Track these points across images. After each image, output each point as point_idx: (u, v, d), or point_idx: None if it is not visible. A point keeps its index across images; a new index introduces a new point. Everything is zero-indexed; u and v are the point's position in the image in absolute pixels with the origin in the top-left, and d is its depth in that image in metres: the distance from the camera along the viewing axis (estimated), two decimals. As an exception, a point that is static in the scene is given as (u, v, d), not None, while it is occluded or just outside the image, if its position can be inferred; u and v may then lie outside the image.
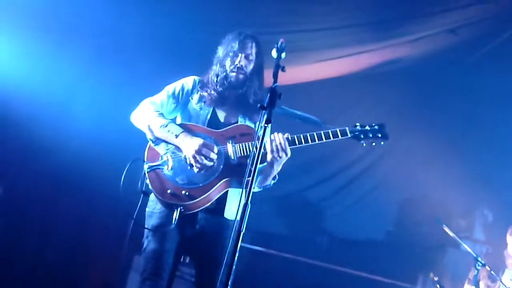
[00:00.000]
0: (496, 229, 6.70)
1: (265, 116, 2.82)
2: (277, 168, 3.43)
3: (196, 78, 3.73)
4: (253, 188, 3.47)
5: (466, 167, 7.23)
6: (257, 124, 2.86)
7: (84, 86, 5.93)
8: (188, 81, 3.71)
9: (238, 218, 2.65)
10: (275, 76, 2.98)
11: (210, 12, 5.46)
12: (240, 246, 2.63)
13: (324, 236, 7.68)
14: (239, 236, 2.60)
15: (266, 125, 2.81)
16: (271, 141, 3.33)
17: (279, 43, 3.07)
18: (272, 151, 3.31)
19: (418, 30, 6.08)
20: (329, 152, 7.09)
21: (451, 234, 5.66)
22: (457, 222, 7.58)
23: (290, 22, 5.46)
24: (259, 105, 2.86)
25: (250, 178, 2.72)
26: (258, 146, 2.79)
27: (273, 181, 3.58)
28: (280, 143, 3.31)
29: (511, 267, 6.25)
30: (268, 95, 2.88)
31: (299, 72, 5.86)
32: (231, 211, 3.49)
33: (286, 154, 3.34)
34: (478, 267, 5.46)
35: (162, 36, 5.74)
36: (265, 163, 3.43)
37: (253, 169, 2.74)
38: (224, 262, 2.65)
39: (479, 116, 7.22)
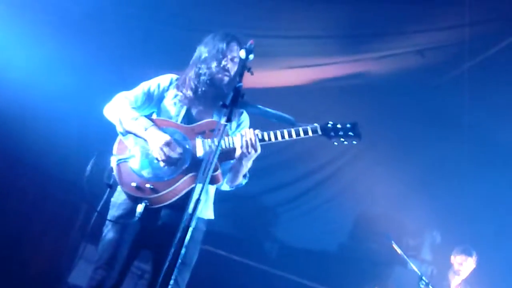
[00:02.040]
0: (443, 251, 6.84)
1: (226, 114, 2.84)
2: (247, 164, 3.41)
3: (174, 76, 3.70)
4: (222, 185, 3.53)
5: (420, 189, 7.37)
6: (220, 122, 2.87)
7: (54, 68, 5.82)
8: (164, 79, 3.68)
9: (190, 212, 2.65)
10: (240, 76, 3.01)
11: (187, 10, 5.44)
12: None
13: (276, 241, 7.72)
14: (187, 231, 2.60)
15: (226, 123, 2.83)
16: (241, 136, 3.32)
17: (248, 44, 3.09)
18: (241, 147, 3.30)
19: (385, 48, 6.17)
20: (292, 158, 7.13)
21: (399, 251, 5.76)
22: (407, 241, 7.72)
23: (259, 27, 5.47)
24: (221, 103, 2.88)
25: (206, 174, 2.73)
26: (216, 144, 2.81)
27: (244, 180, 3.56)
28: (250, 139, 3.30)
29: (455, 288, 6.41)
30: (231, 94, 2.90)
31: (263, 77, 5.87)
32: (199, 208, 3.47)
33: (256, 150, 3.32)
34: (422, 286, 5.56)
35: (139, 30, 5.70)
36: (234, 160, 3.43)
37: (209, 166, 2.74)
38: (170, 256, 2.63)
39: (436, 141, 7.36)
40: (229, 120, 2.84)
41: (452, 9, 5.49)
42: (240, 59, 3.11)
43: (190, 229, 2.63)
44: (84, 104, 5.35)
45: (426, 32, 5.84)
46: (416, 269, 5.71)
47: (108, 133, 3.56)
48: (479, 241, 6.88)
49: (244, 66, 3.03)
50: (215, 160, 2.78)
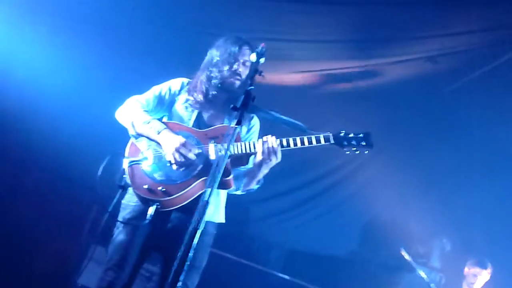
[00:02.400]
0: (453, 258, 6.78)
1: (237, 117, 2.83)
2: (264, 171, 3.41)
3: (185, 80, 3.71)
4: (235, 191, 3.54)
5: (430, 196, 7.33)
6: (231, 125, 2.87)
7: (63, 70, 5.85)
8: (175, 83, 3.69)
9: (197, 216, 2.65)
10: (252, 79, 3.00)
11: (193, 12, 5.45)
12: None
13: (285, 246, 7.70)
14: (195, 233, 2.60)
15: (236, 126, 2.82)
16: (264, 142, 3.33)
17: (260, 48, 3.09)
18: (263, 153, 3.31)
19: (396, 54, 6.12)
20: (301, 162, 7.11)
21: (408, 258, 5.73)
22: (416, 248, 7.66)
23: (269, 30, 5.46)
24: (231, 106, 2.87)
25: (215, 178, 2.72)
26: (226, 147, 2.81)
27: (257, 185, 3.56)
28: (273, 146, 3.31)
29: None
30: (242, 97, 2.89)
31: (271, 79, 5.85)
32: (209, 212, 3.47)
33: (277, 158, 3.34)
34: (431, 294, 5.54)
35: (149, 34, 5.72)
36: (249, 165, 3.44)
37: (218, 170, 2.74)
38: (178, 258, 2.62)
39: (446, 147, 7.32)
40: (239, 123, 2.83)
41: (463, 14, 5.46)
42: (252, 62, 3.11)
43: (199, 232, 2.62)
44: (95, 105, 5.39)
45: (437, 38, 5.80)
46: (425, 277, 5.68)
47: (119, 135, 3.57)
48: (488, 247, 6.83)
49: (255, 70, 3.02)
50: (224, 164, 2.78)
